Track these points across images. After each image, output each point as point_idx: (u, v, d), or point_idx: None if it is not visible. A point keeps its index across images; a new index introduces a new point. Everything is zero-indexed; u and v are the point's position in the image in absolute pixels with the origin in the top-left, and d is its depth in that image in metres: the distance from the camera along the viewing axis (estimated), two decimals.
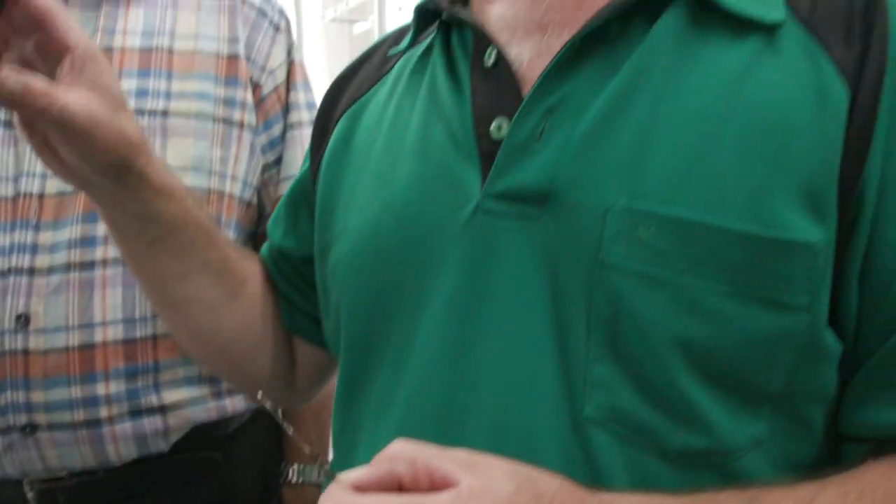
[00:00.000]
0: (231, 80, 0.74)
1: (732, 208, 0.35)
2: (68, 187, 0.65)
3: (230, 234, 0.72)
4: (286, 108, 0.79)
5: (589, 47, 0.39)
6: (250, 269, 0.57)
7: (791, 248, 0.34)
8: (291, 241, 0.56)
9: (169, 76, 0.71)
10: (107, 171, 0.44)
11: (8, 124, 0.66)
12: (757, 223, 0.34)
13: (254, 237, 0.78)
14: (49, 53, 0.43)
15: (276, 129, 0.78)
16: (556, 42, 0.41)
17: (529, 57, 0.42)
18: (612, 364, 0.36)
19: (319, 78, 3.42)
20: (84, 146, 0.42)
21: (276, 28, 0.78)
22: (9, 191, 0.65)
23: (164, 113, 0.69)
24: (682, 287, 0.35)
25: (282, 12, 0.81)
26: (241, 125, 0.74)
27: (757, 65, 0.37)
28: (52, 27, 0.42)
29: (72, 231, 0.65)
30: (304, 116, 0.80)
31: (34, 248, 0.64)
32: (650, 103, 0.37)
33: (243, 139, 0.74)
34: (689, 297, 0.35)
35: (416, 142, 0.44)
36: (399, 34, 0.55)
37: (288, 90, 0.79)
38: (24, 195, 0.64)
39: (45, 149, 0.45)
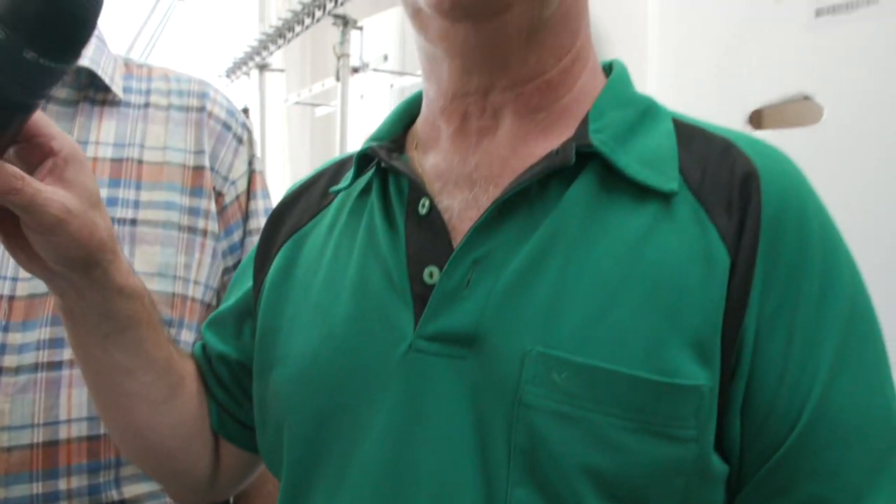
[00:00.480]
0: (196, 190, 0.78)
1: (633, 357, 0.40)
2: (38, 290, 0.68)
3: (191, 334, 0.75)
4: (246, 216, 0.84)
5: (512, 206, 0.45)
6: (188, 367, 0.58)
7: (682, 391, 0.40)
8: (233, 349, 0.58)
9: (138, 186, 0.75)
10: (75, 263, 0.46)
11: None
12: (653, 370, 0.40)
13: None
14: (32, 158, 0.45)
15: (236, 236, 0.83)
16: (483, 197, 0.46)
17: (459, 209, 0.47)
18: (530, 488, 0.40)
19: (280, 158, 3.52)
20: (55, 237, 0.44)
21: (239, 140, 0.84)
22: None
23: (133, 221, 0.73)
24: (590, 423, 0.40)
25: (244, 125, 0.86)
26: (205, 233, 0.78)
27: (655, 229, 0.43)
28: (40, 138, 0.44)
29: (40, 333, 0.67)
30: (262, 223, 0.85)
31: (3, 349, 0.66)
32: (563, 263, 0.43)
33: (206, 246, 0.78)
34: (597, 432, 0.40)
35: (355, 279, 0.49)
36: (338, 167, 0.60)
37: (248, 199, 0.84)
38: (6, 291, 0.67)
39: (11, 238, 0.46)
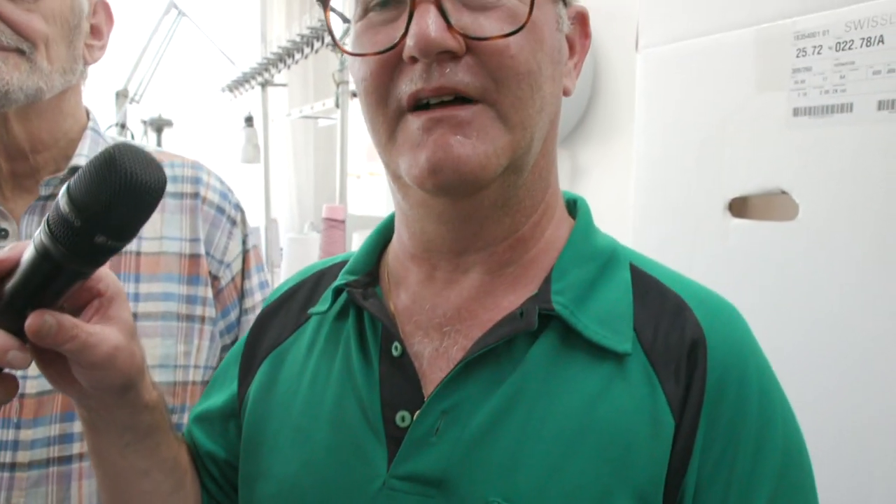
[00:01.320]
0: (193, 278, 0.82)
1: None
2: (47, 387, 0.72)
3: (188, 418, 0.80)
4: (241, 295, 0.87)
5: (478, 362, 0.49)
6: (188, 457, 0.63)
7: None
8: (221, 448, 0.63)
9: (137, 279, 0.78)
10: (113, 389, 0.50)
11: None
12: None
13: None
14: (80, 299, 0.49)
15: (233, 315, 0.87)
16: (452, 348, 0.51)
17: (429, 357, 0.51)
18: None
19: (284, 168, 3.54)
20: (101, 371, 0.48)
21: (233, 223, 0.87)
22: None
23: (134, 316, 0.77)
24: None
25: (237, 206, 0.89)
26: (203, 319, 0.82)
27: (609, 388, 0.48)
28: (91, 282, 0.48)
29: (51, 429, 0.72)
30: (258, 298, 0.89)
31: (15, 445, 0.71)
32: (524, 418, 0.47)
33: (204, 331, 0.82)
34: None
35: (333, 409, 0.53)
36: (316, 281, 0.63)
37: (243, 278, 0.88)
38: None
39: (50, 367, 0.50)
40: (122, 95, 2.49)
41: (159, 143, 2.64)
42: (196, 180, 0.86)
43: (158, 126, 2.61)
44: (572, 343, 0.49)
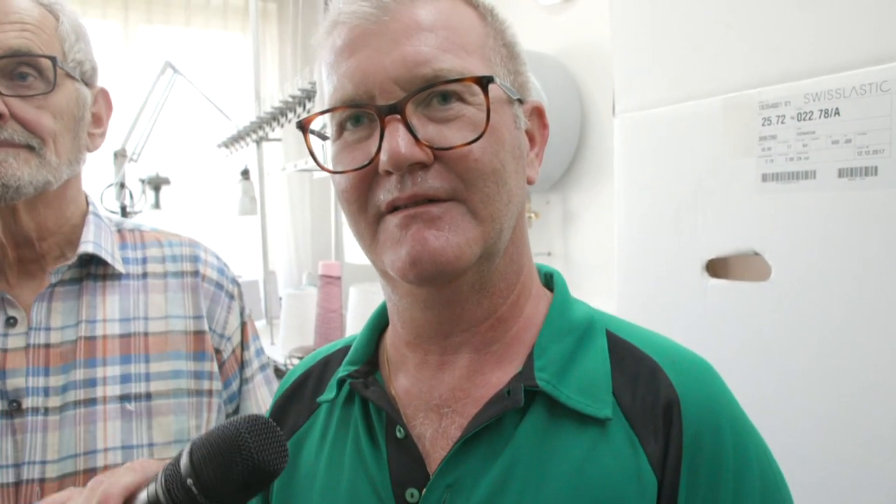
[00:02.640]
0: (199, 354, 0.85)
1: None
2: (68, 469, 0.75)
3: None
4: (242, 365, 0.91)
5: (475, 438, 0.54)
6: None
7: None
8: None
9: (147, 359, 0.82)
10: None
11: (6, 414, 0.75)
12: None
13: None
14: None
15: (234, 385, 0.90)
16: (451, 427, 0.55)
17: (431, 438, 0.56)
18: None
19: (281, 219, 3.58)
20: None
21: (231, 297, 0.91)
22: (9, 478, 0.73)
23: (148, 395, 0.80)
24: None
25: (234, 280, 0.93)
26: (210, 393, 0.85)
27: (595, 451, 0.52)
28: None
29: None
30: (255, 366, 0.93)
31: None
32: (521, 487, 0.52)
33: (213, 404, 0.85)
34: None
35: (349, 491, 0.58)
36: (323, 367, 0.68)
37: (242, 349, 0.91)
38: (27, 482, 0.74)
39: None
40: (120, 155, 2.55)
41: (157, 201, 2.69)
42: (195, 258, 0.90)
43: (156, 184, 2.67)
44: (557, 413, 0.53)
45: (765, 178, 0.96)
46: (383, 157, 0.51)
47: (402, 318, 0.60)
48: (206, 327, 0.87)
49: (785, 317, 0.94)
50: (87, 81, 0.83)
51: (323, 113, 0.55)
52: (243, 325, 0.93)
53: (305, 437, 0.64)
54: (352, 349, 0.64)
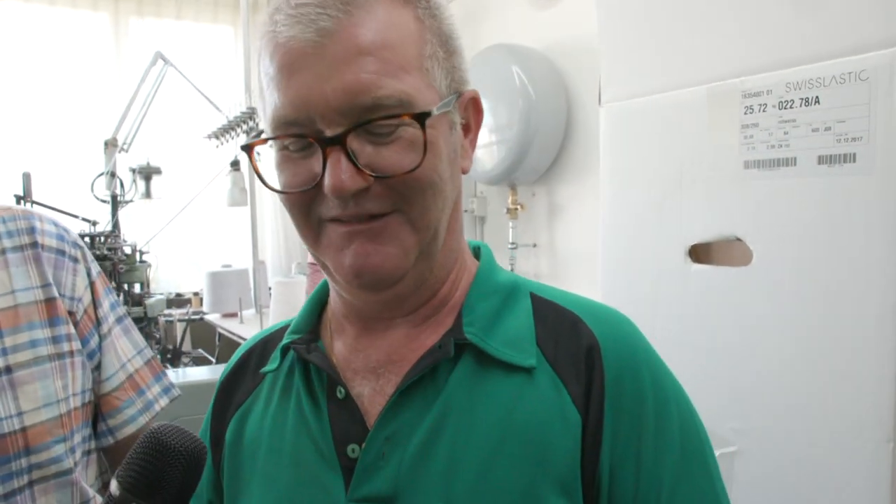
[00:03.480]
0: (54, 320, 0.86)
1: (513, 502, 0.53)
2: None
3: (77, 436, 0.85)
4: (97, 322, 0.93)
5: (409, 392, 0.57)
6: None
7: None
8: None
9: (0, 334, 0.82)
10: None
11: None
12: None
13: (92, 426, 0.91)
14: None
15: (93, 342, 0.91)
16: (387, 385, 0.59)
17: (368, 396, 0.60)
18: None
19: (271, 210, 3.55)
20: None
21: (75, 259, 0.92)
22: None
23: (8, 369, 0.81)
24: None
25: (75, 243, 0.94)
26: (71, 353, 0.87)
27: (522, 397, 0.56)
28: None
29: None
30: (111, 320, 0.95)
31: None
32: (454, 434, 0.56)
33: (76, 363, 0.87)
34: None
35: (292, 451, 0.61)
36: (264, 345, 0.71)
37: (95, 307, 0.93)
38: None
39: None
40: (111, 144, 2.55)
41: (148, 190, 2.69)
42: (31, 230, 0.90)
43: (147, 174, 2.66)
44: (486, 365, 0.58)
45: (747, 165, 0.98)
46: (326, 187, 0.53)
47: (343, 300, 0.63)
48: (55, 293, 0.88)
49: (766, 300, 0.96)
50: None
51: (265, 141, 0.57)
52: (92, 284, 0.94)
53: (250, 410, 0.67)
54: (294, 320, 0.68)
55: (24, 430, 0.79)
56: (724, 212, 1.00)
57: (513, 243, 2.50)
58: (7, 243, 0.87)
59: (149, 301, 2.26)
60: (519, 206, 2.48)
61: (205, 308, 3.02)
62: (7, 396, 0.80)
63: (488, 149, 2.38)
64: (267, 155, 0.62)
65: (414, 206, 0.55)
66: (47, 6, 3.18)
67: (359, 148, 0.53)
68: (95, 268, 0.96)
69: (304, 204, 0.56)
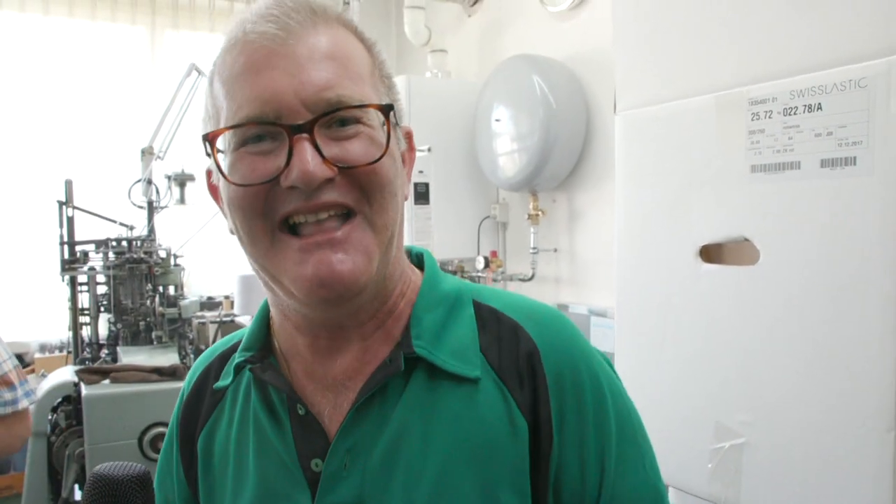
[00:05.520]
0: None
1: (472, 503, 0.57)
2: None
3: None
4: None
5: (366, 406, 0.60)
6: None
7: None
8: None
9: None
10: None
11: None
12: None
13: None
14: None
15: None
16: (344, 402, 0.61)
17: (328, 412, 0.62)
18: None
19: None
20: None
21: None
22: None
23: None
24: None
25: None
26: None
27: (471, 406, 0.59)
28: None
29: None
30: None
31: None
32: (411, 444, 0.58)
33: None
34: None
35: (257, 469, 0.63)
36: (220, 361, 0.71)
37: None
38: None
39: None
40: (147, 153, 2.66)
41: (182, 196, 2.80)
42: None
43: (181, 181, 2.77)
44: (436, 376, 0.60)
45: (753, 168, 1.03)
46: (293, 174, 0.54)
47: (290, 313, 0.63)
48: None
49: (772, 297, 1.01)
50: None
51: (232, 128, 0.56)
52: None
53: (215, 428, 0.69)
54: (245, 336, 0.68)
55: None
56: (733, 213, 1.05)
57: (534, 248, 2.55)
58: None
59: (183, 303, 2.36)
60: (540, 212, 2.53)
61: (235, 310, 3.11)
62: None
63: (510, 156, 2.44)
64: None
65: (374, 204, 0.57)
66: (89, 21, 3.33)
67: (323, 143, 0.55)
68: None
69: (258, 202, 0.56)
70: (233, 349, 0.70)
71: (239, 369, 0.66)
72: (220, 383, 0.69)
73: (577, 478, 0.60)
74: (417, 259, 0.69)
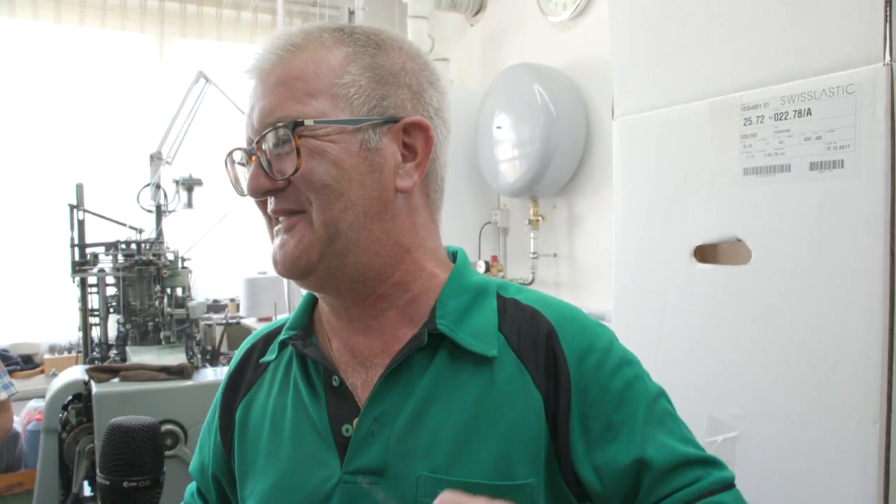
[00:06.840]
0: None
1: (486, 471, 0.62)
2: None
3: None
4: None
5: (393, 378, 0.66)
6: None
7: (517, 487, 0.62)
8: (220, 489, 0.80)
9: None
10: None
11: None
12: (500, 478, 0.62)
13: None
14: None
15: None
16: (374, 376, 0.67)
17: (360, 384, 0.68)
18: None
19: None
20: None
21: None
22: None
23: None
24: None
25: None
26: None
27: (491, 382, 0.65)
28: None
29: None
30: None
31: None
32: (433, 414, 0.64)
33: None
34: None
35: (292, 433, 0.70)
36: (266, 339, 0.80)
37: None
38: None
39: None
40: (156, 158, 2.71)
41: (190, 200, 2.84)
42: None
43: (189, 185, 2.82)
44: (459, 354, 0.66)
45: (746, 171, 1.06)
46: (246, 187, 0.67)
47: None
48: None
49: (764, 295, 1.04)
50: None
51: (238, 149, 0.71)
52: None
53: (254, 398, 0.76)
54: (291, 318, 0.77)
55: None
56: (726, 215, 1.09)
57: (534, 253, 2.59)
58: None
59: (190, 304, 2.40)
60: (540, 218, 2.57)
61: (241, 312, 3.15)
62: None
63: (511, 163, 2.48)
64: None
65: (312, 205, 0.64)
66: (99, 29, 3.39)
67: (275, 160, 0.65)
68: None
69: (261, 206, 0.69)
70: (277, 331, 0.78)
71: (283, 346, 0.74)
72: (266, 358, 0.76)
73: (610, 447, 0.64)
74: (453, 256, 0.77)
